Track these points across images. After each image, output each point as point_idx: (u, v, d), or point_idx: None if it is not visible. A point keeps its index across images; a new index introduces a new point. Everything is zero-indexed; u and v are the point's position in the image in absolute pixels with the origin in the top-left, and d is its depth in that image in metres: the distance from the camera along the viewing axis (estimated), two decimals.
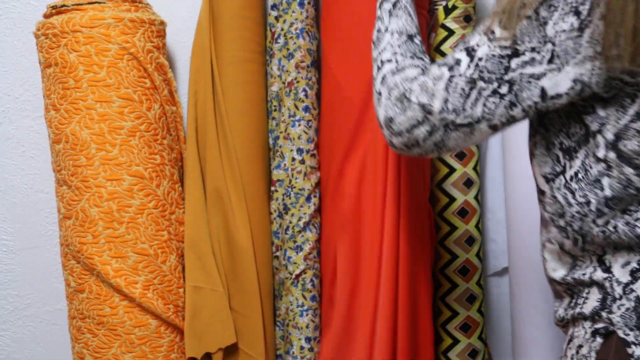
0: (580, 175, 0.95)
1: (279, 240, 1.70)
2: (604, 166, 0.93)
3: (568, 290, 1.03)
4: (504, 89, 0.93)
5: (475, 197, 1.72)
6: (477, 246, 1.72)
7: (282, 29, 1.67)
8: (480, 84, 0.94)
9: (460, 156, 1.70)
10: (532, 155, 1.05)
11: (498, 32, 0.93)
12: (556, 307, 1.07)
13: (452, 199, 1.70)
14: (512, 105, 0.94)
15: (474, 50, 0.95)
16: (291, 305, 1.66)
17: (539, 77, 0.91)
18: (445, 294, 1.71)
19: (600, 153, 0.93)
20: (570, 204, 0.97)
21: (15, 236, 1.85)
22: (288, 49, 1.66)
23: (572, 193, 0.96)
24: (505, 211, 1.72)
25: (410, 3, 1.18)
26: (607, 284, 0.96)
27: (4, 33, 1.80)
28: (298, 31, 1.64)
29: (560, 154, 0.98)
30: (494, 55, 0.93)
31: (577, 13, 0.87)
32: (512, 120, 0.96)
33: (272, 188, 1.70)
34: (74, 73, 1.56)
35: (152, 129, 1.61)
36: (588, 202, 0.95)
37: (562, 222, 0.99)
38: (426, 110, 0.98)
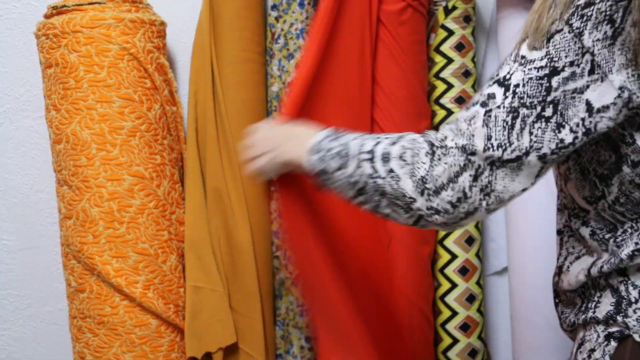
0: (622, 200, 0.93)
1: (279, 240, 1.70)
2: None
3: (582, 294, 1.02)
4: (548, 111, 0.87)
5: None
6: (477, 246, 1.72)
7: (282, 30, 1.67)
8: (523, 111, 0.88)
9: None
10: (566, 178, 1.00)
11: (529, 54, 0.88)
12: (566, 314, 1.06)
13: None
14: (559, 127, 0.88)
15: (506, 79, 0.89)
16: (291, 305, 1.66)
17: (582, 90, 0.86)
18: (445, 294, 1.71)
19: None
20: (622, 222, 0.95)
21: (16, 236, 1.85)
22: (288, 50, 1.66)
23: (621, 214, 0.94)
24: (505, 211, 1.72)
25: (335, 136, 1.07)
26: (622, 287, 0.94)
27: (5, 33, 1.80)
28: (298, 32, 1.65)
29: (597, 180, 0.95)
30: (531, 79, 0.88)
31: (611, 21, 0.84)
32: (561, 146, 0.89)
33: (272, 188, 1.71)
34: (74, 73, 1.56)
35: (153, 129, 1.61)
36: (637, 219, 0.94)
37: (608, 236, 0.96)
38: (468, 151, 0.90)
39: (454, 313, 1.70)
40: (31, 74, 1.79)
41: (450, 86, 1.69)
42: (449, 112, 1.70)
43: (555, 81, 0.87)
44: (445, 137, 0.93)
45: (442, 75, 1.70)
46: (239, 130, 1.66)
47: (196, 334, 1.64)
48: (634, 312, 0.93)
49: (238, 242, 1.65)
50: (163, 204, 1.63)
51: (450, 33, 1.68)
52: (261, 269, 1.67)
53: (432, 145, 0.94)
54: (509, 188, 0.92)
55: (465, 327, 1.70)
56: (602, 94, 0.86)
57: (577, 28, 0.85)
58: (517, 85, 0.88)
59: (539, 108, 0.88)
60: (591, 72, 0.86)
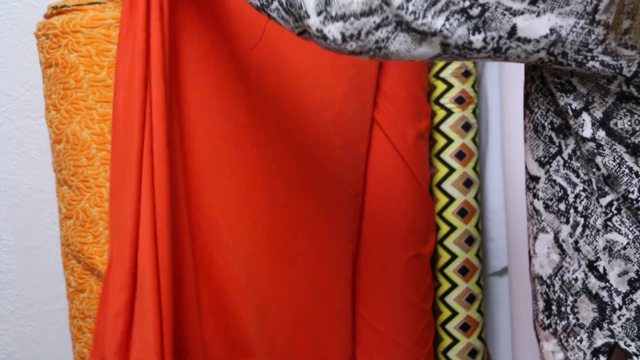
0: (579, 153, 0.91)
1: None
2: (592, 145, 0.89)
3: (545, 294, 0.99)
4: (474, 11, 0.85)
5: (475, 197, 1.72)
6: (477, 246, 1.73)
7: None
8: None
9: (460, 156, 1.70)
10: (524, 141, 0.99)
11: None
12: (534, 310, 1.03)
13: (452, 199, 1.70)
14: (475, 30, 0.86)
15: None
16: None
17: (515, 13, 0.83)
18: (445, 294, 1.71)
19: (587, 132, 0.88)
20: (574, 184, 0.92)
21: (16, 236, 1.85)
22: None
23: (575, 172, 0.92)
24: (505, 211, 1.72)
25: None
26: (604, 293, 0.92)
27: (5, 33, 1.80)
28: None
29: (553, 134, 0.93)
30: None
31: None
32: (467, 49, 0.87)
33: None
34: (74, 73, 1.56)
35: None
36: (590, 181, 0.91)
37: (562, 206, 0.94)
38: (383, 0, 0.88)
39: (454, 313, 1.70)
40: (31, 74, 1.79)
41: (450, 86, 1.70)
42: (449, 112, 1.70)
43: None
44: None
45: (442, 75, 1.70)
46: None
47: None
48: (619, 318, 0.91)
49: None
50: None
51: None
52: None
53: None
54: (400, 54, 0.90)
55: (465, 327, 1.70)
56: (531, 27, 0.84)
57: None
58: None
59: (467, 3, 0.85)
60: (533, 2, 0.83)
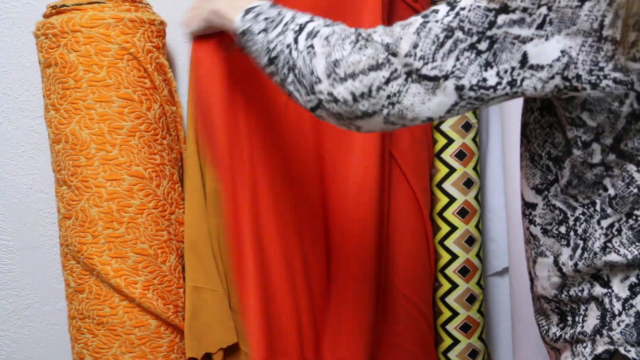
0: (574, 183, 0.91)
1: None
2: (601, 169, 0.89)
3: (557, 309, 0.99)
4: (483, 45, 0.84)
5: (475, 197, 1.72)
6: (477, 246, 1.72)
7: None
8: (459, 34, 0.84)
9: (461, 156, 1.70)
10: (521, 168, 0.99)
11: None
12: (544, 326, 1.03)
13: (452, 199, 1.70)
14: (487, 65, 0.84)
15: (456, 1, 0.86)
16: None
17: (524, 40, 0.82)
18: (445, 294, 1.71)
19: (596, 159, 0.88)
20: (574, 207, 0.92)
21: (15, 236, 1.85)
22: None
23: (574, 197, 0.92)
24: (505, 211, 1.72)
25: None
26: (606, 300, 0.92)
27: (4, 33, 1.80)
28: None
29: (550, 163, 0.93)
30: (479, 7, 0.84)
31: None
32: (481, 85, 0.85)
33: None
34: (73, 73, 1.56)
35: (152, 129, 1.61)
36: (593, 203, 0.91)
37: (563, 229, 0.94)
38: (390, 50, 0.87)
39: (455, 313, 1.70)
40: (30, 73, 1.78)
41: None
42: None
43: (501, 19, 0.83)
44: (375, 32, 0.89)
45: None
46: None
47: (196, 334, 1.64)
48: (618, 324, 0.91)
49: None
50: (162, 204, 1.62)
51: None
52: None
53: (358, 35, 0.91)
54: (416, 108, 0.88)
55: (465, 328, 1.70)
56: (541, 52, 0.83)
57: None
58: (463, 8, 0.85)
59: (475, 38, 0.84)
60: (540, 26, 0.82)
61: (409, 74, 0.87)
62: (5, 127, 1.82)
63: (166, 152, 1.64)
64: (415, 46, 0.86)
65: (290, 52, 0.96)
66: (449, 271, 1.70)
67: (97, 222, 1.57)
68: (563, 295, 0.97)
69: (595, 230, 0.91)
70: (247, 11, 1.06)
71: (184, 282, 1.66)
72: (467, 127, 1.70)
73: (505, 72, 0.84)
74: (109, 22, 1.56)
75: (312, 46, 0.93)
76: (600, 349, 0.92)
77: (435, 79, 0.86)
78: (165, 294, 1.62)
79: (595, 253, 0.91)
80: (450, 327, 1.70)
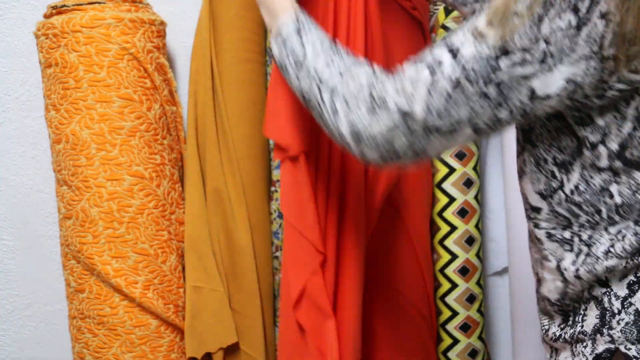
0: (582, 188, 0.92)
1: (279, 240, 1.70)
2: (609, 174, 0.90)
3: (560, 310, 1.00)
4: (491, 90, 0.87)
5: (475, 197, 1.72)
6: (477, 246, 1.72)
7: None
8: (466, 85, 0.88)
9: (460, 156, 1.70)
10: (521, 172, 1.00)
11: (485, 30, 0.86)
12: (545, 325, 1.04)
13: (452, 199, 1.70)
14: (498, 106, 0.88)
15: (458, 50, 0.89)
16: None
17: (528, 77, 0.85)
18: (445, 294, 1.71)
19: (603, 163, 0.90)
20: (577, 215, 0.93)
21: (16, 236, 1.85)
22: None
23: (578, 205, 0.93)
24: (505, 211, 1.72)
25: (308, 17, 1.11)
26: (605, 299, 0.93)
27: (4, 33, 1.80)
28: None
29: (555, 169, 0.94)
30: (481, 57, 0.87)
31: (575, 10, 0.82)
32: (497, 123, 0.90)
33: (272, 188, 1.70)
34: (74, 73, 1.56)
35: (152, 129, 1.61)
36: (599, 211, 0.92)
37: (567, 234, 0.95)
38: (406, 115, 0.91)
39: (454, 313, 1.70)
40: (31, 73, 1.79)
41: None
42: None
43: (503, 63, 0.86)
44: (387, 93, 0.93)
45: None
46: (239, 130, 1.66)
47: (196, 334, 1.64)
48: (618, 323, 0.91)
49: (238, 242, 1.64)
50: (163, 204, 1.63)
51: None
52: (261, 269, 1.67)
53: (373, 100, 0.94)
54: (440, 150, 0.94)
55: (465, 327, 1.70)
56: (547, 84, 0.85)
57: (537, 14, 0.83)
58: (467, 61, 0.88)
59: (482, 86, 0.87)
60: (542, 61, 0.84)
61: (427, 130, 0.91)
62: (6, 127, 1.82)
63: (166, 152, 1.64)
64: (428, 106, 0.90)
65: (319, 105, 1.02)
66: (449, 271, 1.70)
67: (97, 222, 1.57)
68: (567, 300, 0.98)
69: (601, 237, 0.92)
70: (277, 36, 1.11)
71: (184, 282, 1.66)
72: None
73: (516, 107, 0.88)
74: (109, 22, 1.56)
75: (335, 106, 0.99)
76: (600, 348, 0.92)
77: (452, 128, 0.91)
78: (166, 294, 1.62)
79: (598, 258, 0.92)
80: (450, 326, 1.70)
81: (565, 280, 0.96)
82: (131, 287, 1.57)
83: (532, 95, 0.86)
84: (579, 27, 0.83)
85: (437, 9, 1.68)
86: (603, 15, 0.82)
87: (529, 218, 1.00)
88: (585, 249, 0.94)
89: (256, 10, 1.71)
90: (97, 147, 1.57)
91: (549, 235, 0.97)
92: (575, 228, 0.94)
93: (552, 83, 0.85)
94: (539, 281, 1.03)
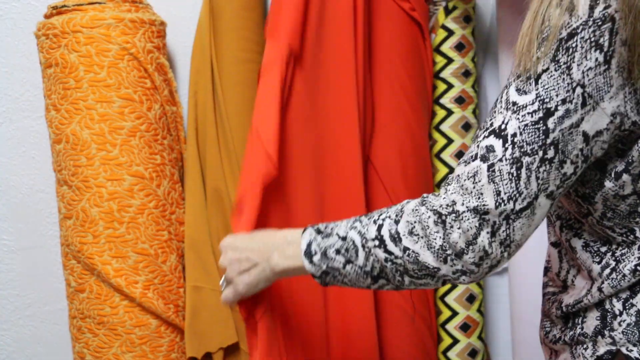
0: (609, 215, 0.92)
1: None
2: (634, 198, 0.90)
3: (563, 316, 1.00)
4: (550, 153, 0.86)
5: None
6: None
7: None
8: (526, 159, 0.86)
9: (460, 156, 1.70)
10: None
11: (520, 99, 0.86)
12: (547, 328, 1.04)
13: None
14: (561, 163, 0.87)
15: (502, 130, 0.88)
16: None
17: (578, 124, 0.85)
18: (445, 294, 1.71)
19: (627, 190, 0.90)
20: (613, 236, 0.94)
21: (16, 236, 1.85)
22: None
23: (610, 228, 0.93)
24: None
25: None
26: (606, 301, 0.93)
27: (5, 33, 1.80)
28: None
29: (580, 200, 0.94)
30: (527, 126, 0.86)
31: (599, 47, 0.83)
32: (564, 179, 0.88)
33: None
34: (74, 73, 1.56)
35: (153, 129, 1.61)
36: (632, 231, 0.93)
37: (604, 248, 0.95)
38: (481, 212, 0.88)
39: (454, 313, 1.70)
40: (31, 74, 1.79)
41: (450, 86, 1.70)
42: (449, 112, 1.70)
43: (551, 122, 0.85)
44: (454, 202, 0.90)
45: (442, 75, 1.70)
46: (239, 130, 1.66)
47: (196, 334, 1.64)
48: (619, 324, 0.92)
49: None
50: (163, 204, 1.63)
51: (451, 33, 1.68)
52: None
53: (439, 214, 0.92)
54: (527, 233, 0.91)
55: (465, 327, 1.70)
56: (595, 122, 0.85)
57: (564, 63, 0.84)
58: (514, 135, 0.87)
59: (540, 153, 0.86)
60: (584, 104, 0.85)
61: (507, 218, 0.89)
62: (6, 127, 1.82)
63: (167, 152, 1.65)
64: (498, 194, 0.88)
65: (393, 263, 0.97)
66: None
67: (97, 222, 1.57)
68: (577, 306, 0.98)
69: (632, 254, 0.93)
70: (308, 254, 1.04)
71: (184, 282, 1.67)
72: (466, 127, 1.70)
73: (577, 156, 0.87)
74: (109, 22, 1.56)
75: (407, 248, 0.94)
76: (602, 349, 0.93)
77: (529, 205, 0.89)
78: (166, 294, 1.62)
79: (624, 275, 0.93)
80: (449, 326, 1.70)
81: (589, 292, 0.96)
82: (131, 287, 1.57)
83: (586, 138, 0.86)
84: (607, 62, 0.83)
85: (437, 10, 1.68)
86: (624, 42, 0.82)
87: (569, 227, 0.99)
88: (612, 263, 0.94)
89: (256, 10, 1.72)
90: (98, 147, 1.57)
91: (586, 245, 0.97)
92: (614, 245, 0.94)
93: (599, 120, 0.85)
94: (568, 288, 1.02)
